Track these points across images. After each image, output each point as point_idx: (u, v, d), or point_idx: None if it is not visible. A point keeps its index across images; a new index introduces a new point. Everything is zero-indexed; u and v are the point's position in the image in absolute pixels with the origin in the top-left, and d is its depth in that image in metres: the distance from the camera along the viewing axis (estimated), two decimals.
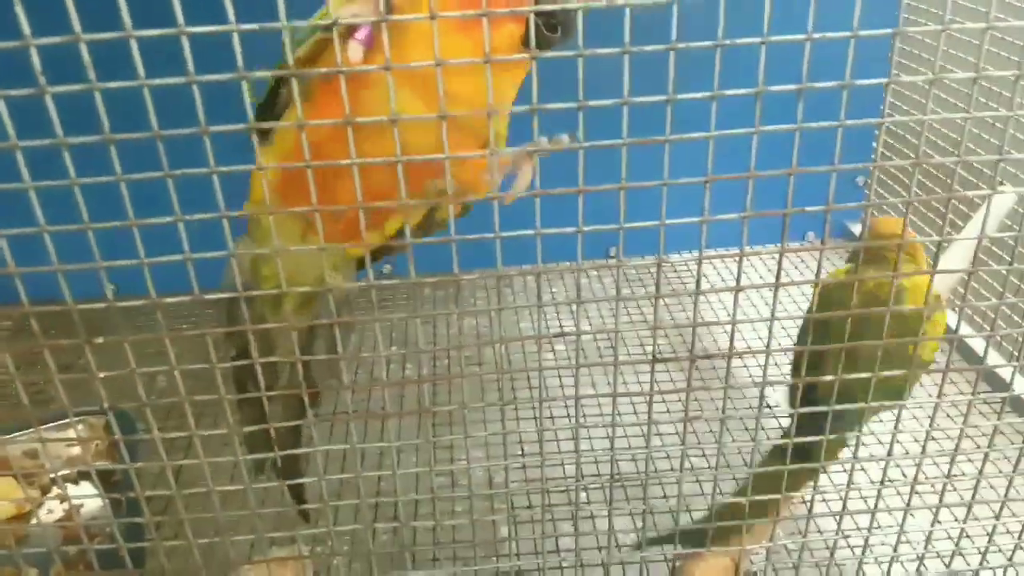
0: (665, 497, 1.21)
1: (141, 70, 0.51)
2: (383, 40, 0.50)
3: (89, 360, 0.60)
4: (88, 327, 0.58)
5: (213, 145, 0.53)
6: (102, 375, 0.59)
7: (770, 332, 0.64)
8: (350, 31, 0.67)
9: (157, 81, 0.51)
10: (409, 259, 0.60)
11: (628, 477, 1.17)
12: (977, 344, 1.46)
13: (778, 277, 0.60)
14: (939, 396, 0.71)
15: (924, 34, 0.58)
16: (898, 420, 0.73)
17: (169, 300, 0.57)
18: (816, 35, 0.54)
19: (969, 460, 0.90)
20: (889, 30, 0.56)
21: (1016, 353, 0.73)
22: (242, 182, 0.54)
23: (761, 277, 1.78)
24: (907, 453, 1.31)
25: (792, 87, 0.56)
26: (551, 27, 0.70)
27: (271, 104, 0.80)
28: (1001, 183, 1.37)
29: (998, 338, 1.14)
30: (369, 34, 0.67)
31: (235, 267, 0.75)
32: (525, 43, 0.71)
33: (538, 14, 0.65)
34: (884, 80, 0.57)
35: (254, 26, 0.50)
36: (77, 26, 0.49)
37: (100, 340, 0.58)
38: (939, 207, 1.61)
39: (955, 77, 0.57)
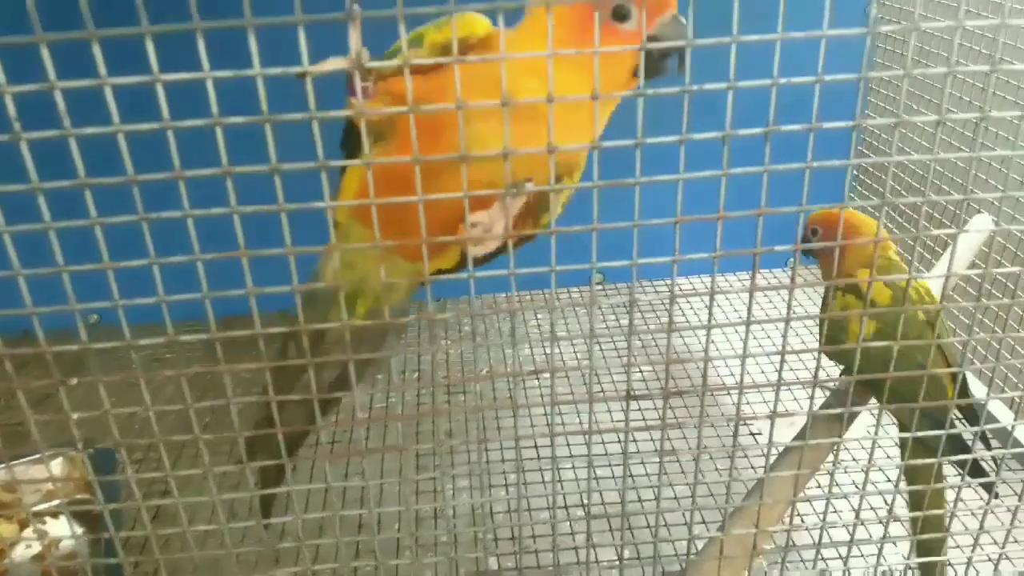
0: (649, 526, 1.21)
1: (116, 116, 0.51)
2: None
3: (63, 400, 0.60)
4: (65, 362, 0.58)
5: (188, 188, 0.54)
6: (76, 416, 0.59)
7: (743, 367, 0.64)
8: (351, 87, 0.69)
9: (131, 127, 0.51)
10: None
11: (611, 508, 1.17)
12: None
13: (749, 314, 0.61)
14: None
15: (890, 76, 0.60)
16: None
17: (144, 342, 0.57)
18: (782, 80, 0.55)
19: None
20: (853, 75, 0.57)
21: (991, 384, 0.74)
22: (218, 224, 0.54)
23: (741, 299, 1.79)
24: (886, 481, 1.31)
25: (759, 131, 0.57)
26: (664, 57, 0.74)
27: (352, 133, 0.84)
28: (978, 211, 1.40)
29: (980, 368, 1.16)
30: (366, 89, 0.70)
31: (323, 268, 0.85)
32: (636, 74, 0.74)
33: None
34: (851, 123, 0.58)
35: (228, 72, 0.51)
36: (52, 73, 0.50)
37: (74, 381, 0.58)
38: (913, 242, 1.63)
39: (923, 120, 0.58)
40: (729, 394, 1.54)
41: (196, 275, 0.57)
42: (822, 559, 1.10)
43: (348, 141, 0.87)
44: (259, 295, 0.57)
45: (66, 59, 0.52)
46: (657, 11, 0.74)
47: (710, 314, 0.62)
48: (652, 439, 1.39)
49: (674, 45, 0.56)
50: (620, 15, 0.73)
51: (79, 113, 0.51)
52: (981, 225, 1.18)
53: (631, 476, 1.30)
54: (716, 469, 1.34)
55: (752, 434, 1.45)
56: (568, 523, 1.19)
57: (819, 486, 1.32)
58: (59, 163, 0.53)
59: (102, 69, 0.50)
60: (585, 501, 0.75)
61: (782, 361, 0.64)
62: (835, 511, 1.27)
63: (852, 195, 1.71)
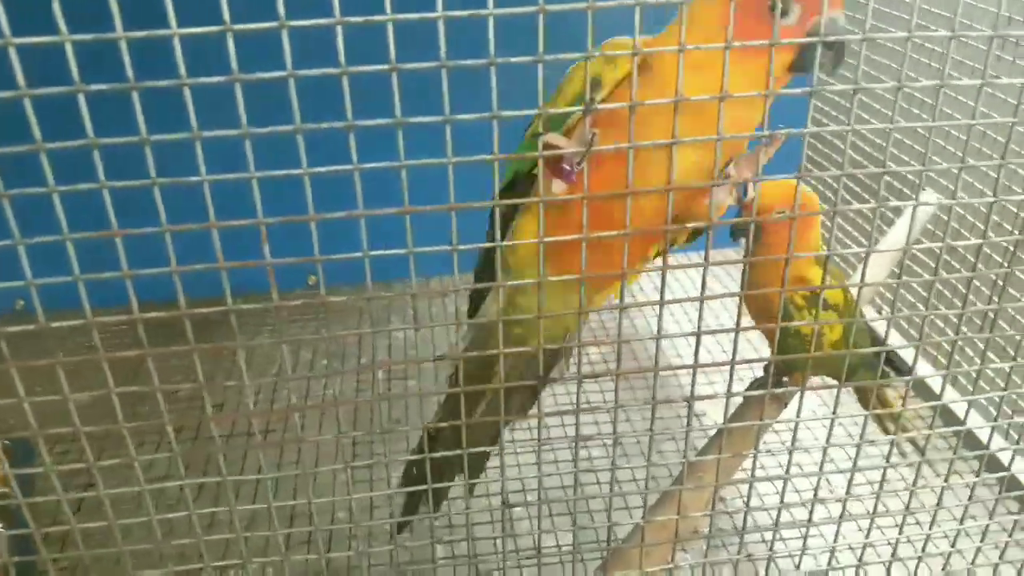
0: (569, 513, 1.19)
1: (76, 75, 0.47)
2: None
3: None
4: None
5: (155, 154, 0.50)
6: None
7: (657, 348, 0.62)
8: (554, 167, 0.66)
9: (93, 87, 0.47)
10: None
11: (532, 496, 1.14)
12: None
13: (662, 295, 0.59)
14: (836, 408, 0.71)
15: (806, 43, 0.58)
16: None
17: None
18: (690, 46, 0.53)
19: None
20: (766, 41, 0.55)
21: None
22: (186, 194, 0.49)
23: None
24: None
25: (668, 100, 0.54)
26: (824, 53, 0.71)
27: (521, 180, 0.81)
28: (923, 190, 1.39)
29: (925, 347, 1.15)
30: (571, 173, 0.66)
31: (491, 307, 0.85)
32: (791, 68, 0.70)
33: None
34: (763, 92, 0.56)
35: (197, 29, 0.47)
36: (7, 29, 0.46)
37: None
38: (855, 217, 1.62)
39: (834, 89, 0.56)
40: (676, 375, 1.53)
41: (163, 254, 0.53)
42: (763, 541, 1.09)
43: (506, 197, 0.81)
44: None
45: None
46: (820, 8, 0.68)
47: (621, 296, 0.59)
48: (598, 424, 1.37)
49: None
50: (781, 10, 0.69)
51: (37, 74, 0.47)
52: (925, 199, 1.17)
53: (556, 462, 1.29)
54: (662, 452, 1.33)
55: (697, 416, 1.44)
56: (488, 512, 1.17)
57: (763, 467, 1.32)
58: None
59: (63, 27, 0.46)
60: (499, 490, 0.72)
61: (698, 343, 0.62)
62: (776, 492, 1.26)
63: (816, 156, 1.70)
